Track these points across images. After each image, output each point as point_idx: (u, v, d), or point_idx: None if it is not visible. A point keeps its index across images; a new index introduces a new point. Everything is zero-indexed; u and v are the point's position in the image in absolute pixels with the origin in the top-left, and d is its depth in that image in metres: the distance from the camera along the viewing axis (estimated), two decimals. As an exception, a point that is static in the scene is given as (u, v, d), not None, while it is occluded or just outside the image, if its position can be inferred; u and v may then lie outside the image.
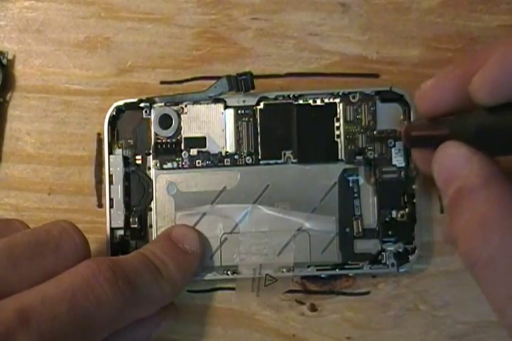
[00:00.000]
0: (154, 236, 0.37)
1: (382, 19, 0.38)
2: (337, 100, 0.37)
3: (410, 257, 0.36)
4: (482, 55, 0.28)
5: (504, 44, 0.27)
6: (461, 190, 0.27)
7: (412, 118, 0.36)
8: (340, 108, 0.37)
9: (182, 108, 0.37)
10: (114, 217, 0.37)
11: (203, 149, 0.37)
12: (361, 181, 0.37)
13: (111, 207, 0.37)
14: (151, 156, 0.37)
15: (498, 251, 0.26)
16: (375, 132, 0.37)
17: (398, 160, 0.36)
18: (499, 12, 0.38)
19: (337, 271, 0.37)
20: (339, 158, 0.37)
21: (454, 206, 0.28)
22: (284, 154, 0.37)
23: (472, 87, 0.27)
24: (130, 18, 0.39)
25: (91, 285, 0.29)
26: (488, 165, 0.27)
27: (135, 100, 0.37)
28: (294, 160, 0.37)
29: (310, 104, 0.37)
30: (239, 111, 0.37)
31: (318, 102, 0.37)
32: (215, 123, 0.37)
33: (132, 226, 0.37)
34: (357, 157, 0.37)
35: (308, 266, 0.37)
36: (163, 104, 0.37)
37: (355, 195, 0.37)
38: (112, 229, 0.37)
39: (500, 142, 0.28)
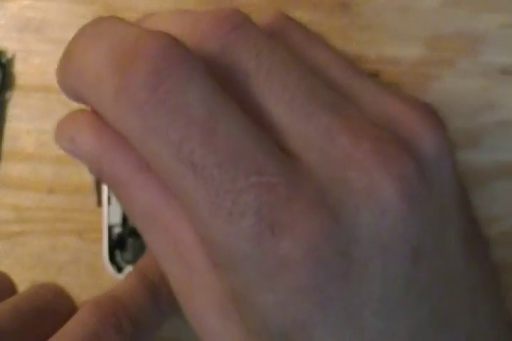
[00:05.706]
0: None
1: (382, 19, 0.38)
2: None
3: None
4: None
5: None
6: None
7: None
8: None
9: (182, 107, 0.37)
10: (111, 213, 0.37)
11: (202, 148, 0.37)
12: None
13: (109, 203, 0.37)
14: (149, 154, 0.37)
15: None
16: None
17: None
18: (499, 12, 0.38)
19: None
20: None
21: None
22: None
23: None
24: (130, 18, 0.38)
25: (99, 335, 0.29)
26: None
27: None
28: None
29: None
30: (238, 111, 0.37)
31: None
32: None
33: (130, 223, 0.37)
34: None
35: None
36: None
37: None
38: (109, 226, 0.37)
39: None
